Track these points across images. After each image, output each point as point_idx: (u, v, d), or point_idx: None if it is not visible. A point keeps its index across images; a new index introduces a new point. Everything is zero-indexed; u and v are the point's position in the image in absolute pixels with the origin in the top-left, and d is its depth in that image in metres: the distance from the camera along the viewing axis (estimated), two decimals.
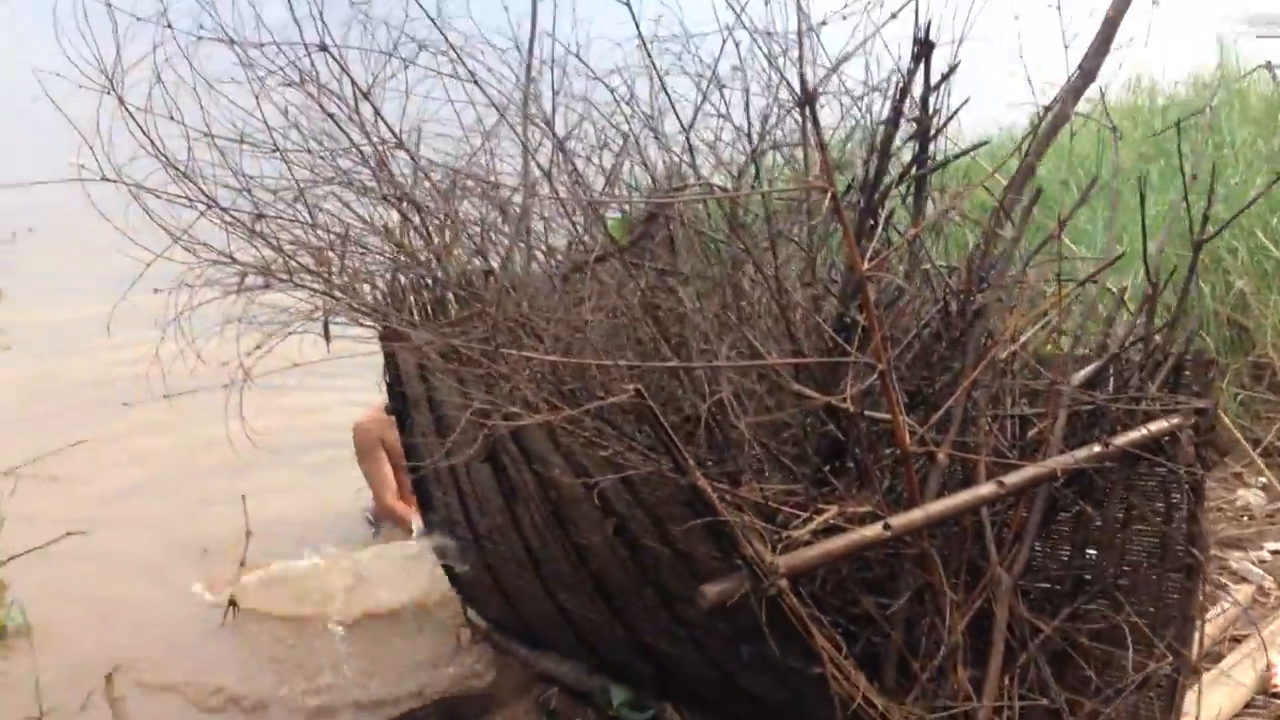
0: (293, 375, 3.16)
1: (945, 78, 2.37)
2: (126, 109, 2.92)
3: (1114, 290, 2.72)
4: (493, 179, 3.13)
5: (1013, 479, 2.42)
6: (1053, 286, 2.55)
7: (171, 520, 4.94)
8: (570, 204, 2.91)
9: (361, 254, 3.26)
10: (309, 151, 3.12)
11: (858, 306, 2.37)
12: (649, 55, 2.60)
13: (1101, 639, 2.65)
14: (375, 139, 3.06)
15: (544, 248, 3.06)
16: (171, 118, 2.98)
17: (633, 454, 2.50)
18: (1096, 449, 2.48)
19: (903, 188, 2.51)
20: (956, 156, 2.56)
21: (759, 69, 2.73)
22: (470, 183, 3.10)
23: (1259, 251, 5.20)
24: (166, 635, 4.14)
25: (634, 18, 2.45)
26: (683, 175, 2.90)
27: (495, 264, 3.06)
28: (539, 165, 2.97)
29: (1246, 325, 5.08)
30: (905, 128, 2.42)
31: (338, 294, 3.18)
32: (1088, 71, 2.43)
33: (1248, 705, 3.25)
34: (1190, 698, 2.82)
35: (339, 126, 3.06)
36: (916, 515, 2.35)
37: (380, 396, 3.93)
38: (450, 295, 3.23)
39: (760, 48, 2.65)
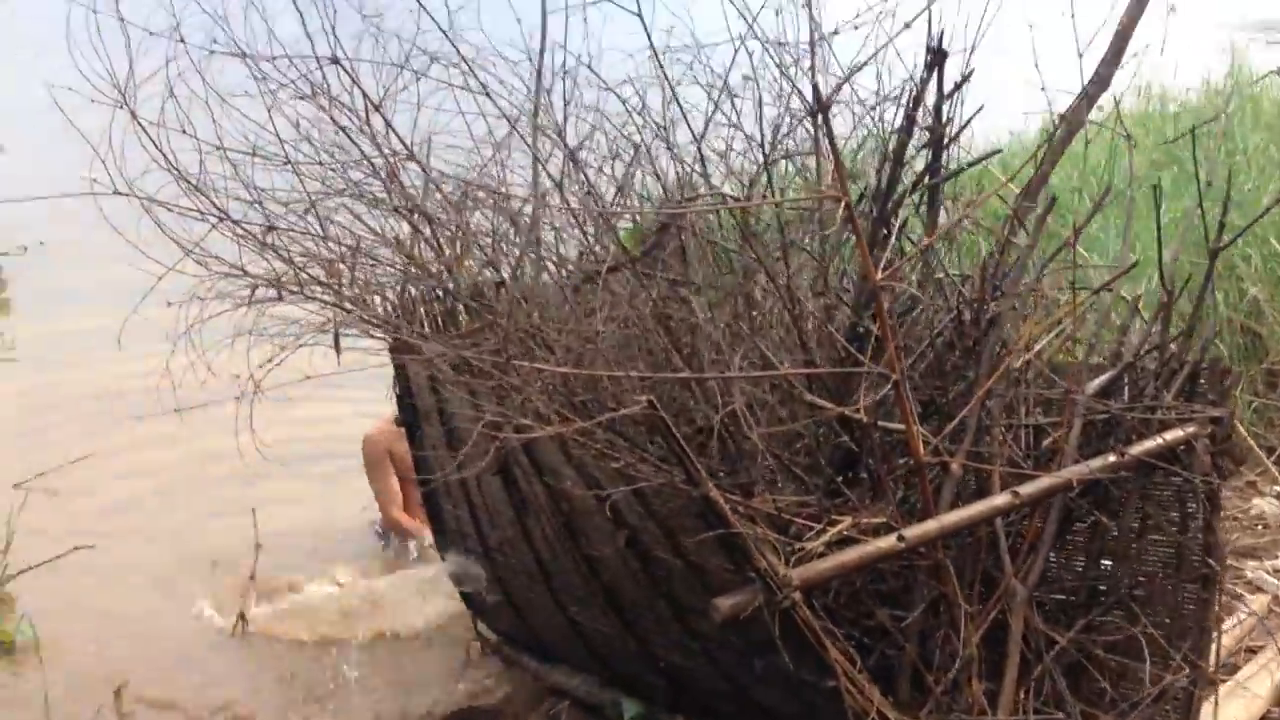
0: (303, 386, 3.16)
1: (959, 86, 2.36)
2: (139, 123, 2.94)
3: (1128, 298, 2.70)
4: (504, 190, 3.13)
5: (1028, 489, 2.40)
6: (1066, 295, 2.54)
7: (180, 532, 4.94)
8: (581, 214, 2.91)
9: (372, 266, 3.26)
10: (320, 164, 3.13)
11: (871, 316, 2.36)
12: (661, 66, 2.60)
13: (1117, 650, 2.63)
14: (386, 151, 3.06)
15: (555, 258, 3.06)
16: (184, 131, 2.99)
17: (645, 466, 2.49)
18: (1112, 458, 2.47)
19: (916, 196, 2.50)
20: (971, 165, 2.55)
21: (770, 79, 2.73)
22: (481, 194, 3.11)
23: (1272, 259, 5.18)
24: (174, 650, 4.13)
25: (645, 29, 2.46)
26: (694, 185, 2.90)
27: (506, 275, 3.06)
28: (550, 175, 2.97)
29: (1260, 332, 5.06)
30: (918, 136, 2.41)
31: (348, 306, 3.19)
32: (1101, 80, 2.42)
33: (1264, 717, 3.22)
34: (1206, 710, 2.79)
35: (350, 139, 3.07)
36: (931, 526, 2.33)
37: (390, 407, 3.93)
38: (461, 307, 3.23)
39: (772, 57, 2.65)
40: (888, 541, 2.29)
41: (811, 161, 2.84)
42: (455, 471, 3.26)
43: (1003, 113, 3.39)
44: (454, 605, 4.16)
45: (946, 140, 2.43)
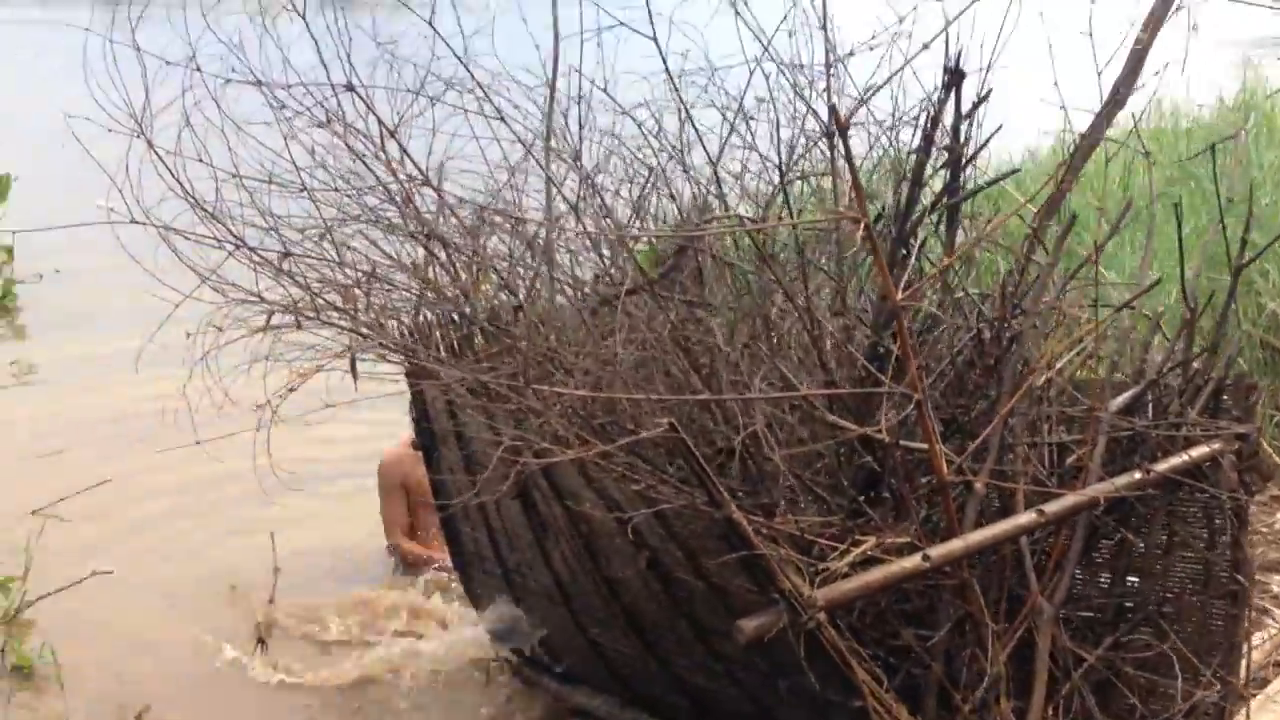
0: (320, 405, 3.16)
1: (977, 106, 2.36)
2: (155, 152, 2.95)
3: (1150, 316, 2.69)
4: (519, 214, 3.14)
5: (1053, 507, 2.39)
6: (1087, 312, 2.53)
7: (199, 555, 4.93)
8: (598, 237, 2.91)
9: (388, 291, 3.27)
10: (336, 190, 3.14)
11: (891, 336, 2.35)
12: (676, 89, 2.61)
13: (1146, 667, 2.61)
14: (402, 176, 3.07)
15: (571, 281, 3.06)
16: (200, 160, 3.00)
17: (666, 488, 2.49)
18: (1137, 475, 2.46)
19: (934, 216, 2.50)
20: (989, 184, 2.55)
21: (785, 101, 2.73)
22: (498, 218, 3.11)
23: None
24: (195, 675, 4.12)
25: (660, 52, 2.46)
26: (710, 207, 2.90)
27: (522, 299, 3.06)
28: (565, 199, 2.98)
29: (1279, 347, 5.03)
30: (936, 156, 2.41)
31: (364, 331, 3.19)
32: (1119, 98, 2.42)
33: None
34: None
35: (366, 165, 3.08)
36: (956, 545, 2.32)
37: (409, 429, 3.92)
38: (477, 331, 3.23)
39: (787, 79, 2.65)
40: (913, 561, 2.28)
41: (826, 182, 2.85)
42: (474, 496, 3.26)
43: (1017, 132, 3.39)
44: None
45: (965, 160, 2.43)
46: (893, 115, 2.65)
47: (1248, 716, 2.85)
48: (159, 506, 5.29)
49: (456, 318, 3.28)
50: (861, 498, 2.52)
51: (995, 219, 2.46)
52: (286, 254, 3.14)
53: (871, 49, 2.60)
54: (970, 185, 2.55)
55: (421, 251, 3.25)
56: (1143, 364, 2.66)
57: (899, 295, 2.17)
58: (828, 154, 2.65)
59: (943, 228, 2.56)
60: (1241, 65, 9.13)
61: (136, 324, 3.33)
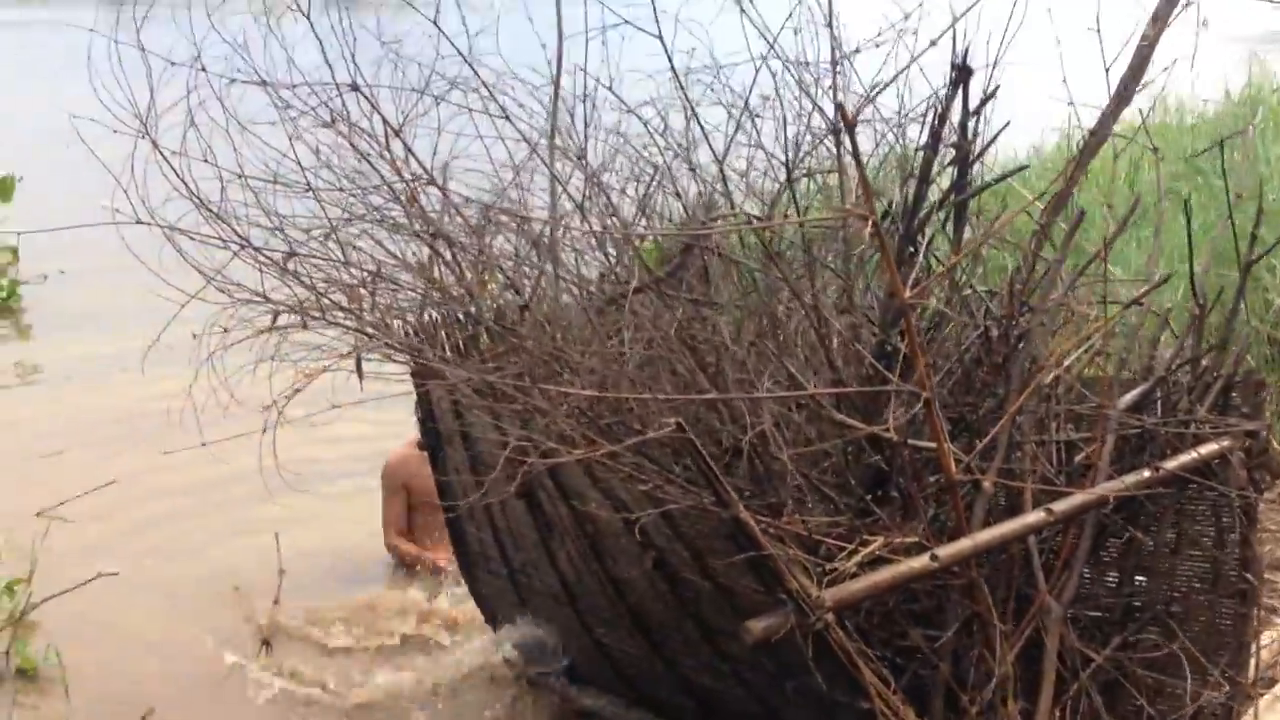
0: (326, 404, 3.16)
1: (984, 103, 2.35)
2: (160, 152, 2.95)
3: (1158, 312, 2.68)
4: (524, 213, 3.13)
5: (1061, 506, 2.38)
6: (1095, 309, 2.52)
7: (203, 556, 4.93)
8: (603, 236, 2.91)
9: (394, 290, 3.26)
10: (341, 190, 3.13)
11: (899, 334, 2.34)
12: (682, 87, 2.60)
13: (1154, 667, 2.60)
14: (407, 176, 3.07)
15: (577, 280, 3.06)
16: (205, 160, 3.00)
17: (672, 487, 2.48)
18: (1146, 473, 2.44)
19: (941, 213, 2.49)
20: (997, 180, 2.54)
21: (790, 98, 2.72)
22: (504, 217, 3.11)
23: None
24: (199, 677, 4.11)
25: (666, 50, 2.46)
26: (715, 204, 2.90)
27: (528, 298, 3.05)
28: (570, 197, 2.97)
29: None
30: (943, 153, 2.40)
31: (370, 331, 3.19)
32: (1126, 94, 2.41)
33: None
34: None
35: (371, 164, 3.07)
36: (964, 545, 2.31)
37: (415, 429, 3.92)
38: (483, 330, 3.22)
39: (793, 76, 2.64)
40: (921, 561, 2.27)
41: (832, 179, 2.84)
42: (479, 496, 3.25)
43: (1022, 128, 3.38)
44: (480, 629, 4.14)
45: (973, 157, 2.42)
46: (899, 112, 2.64)
47: (1256, 716, 2.84)
48: (164, 507, 5.28)
49: (462, 317, 3.28)
50: (869, 497, 2.52)
51: (1003, 216, 2.45)
52: (291, 254, 3.13)
53: (877, 46, 2.59)
54: (977, 182, 2.54)
55: (427, 251, 3.24)
56: (1151, 361, 2.65)
57: (907, 293, 2.16)
58: (834, 151, 2.64)
59: (950, 225, 2.55)
60: (1246, 61, 9.10)
61: (141, 325, 3.33)
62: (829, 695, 2.40)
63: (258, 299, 3.14)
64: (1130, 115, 2.64)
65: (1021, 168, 2.70)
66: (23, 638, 4.11)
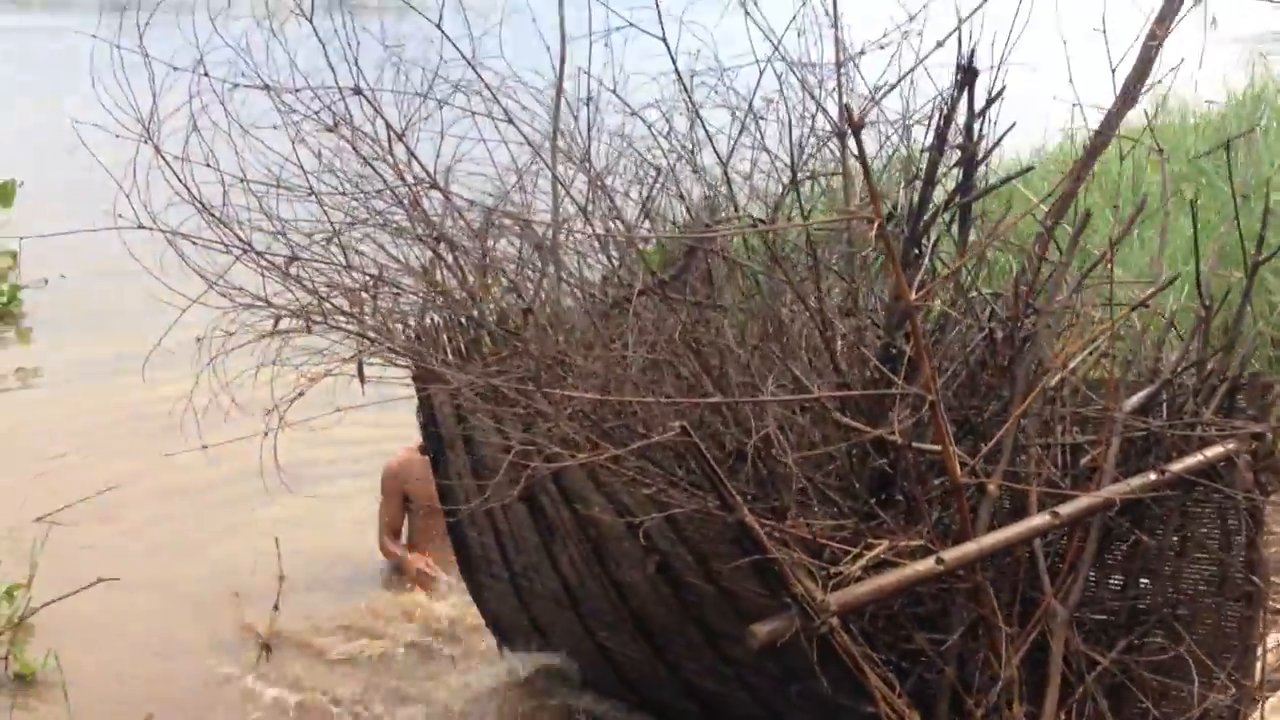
0: (327, 407, 3.15)
1: (990, 104, 2.35)
2: (162, 157, 2.95)
3: (1164, 314, 2.68)
4: (527, 217, 3.13)
5: (1067, 509, 2.37)
6: (1099, 311, 2.51)
7: (204, 559, 4.92)
8: (606, 239, 2.91)
9: (396, 294, 3.26)
10: (344, 194, 3.13)
11: (904, 336, 2.34)
12: (686, 89, 2.60)
13: (1159, 670, 2.59)
14: (409, 179, 3.06)
15: (581, 283, 3.05)
16: (207, 164, 3.00)
17: (676, 491, 2.47)
18: (1152, 476, 2.44)
19: (946, 216, 2.49)
20: (1003, 182, 2.53)
21: (795, 100, 2.72)
22: (507, 221, 3.10)
23: None
24: (199, 682, 4.10)
25: (670, 52, 2.46)
26: (719, 207, 2.89)
27: (531, 301, 3.05)
28: (574, 200, 2.97)
29: None
30: (948, 155, 2.39)
31: (372, 334, 3.18)
32: (1131, 95, 2.40)
33: None
34: None
35: (373, 168, 3.07)
36: (970, 549, 2.31)
37: (418, 432, 3.91)
38: (485, 334, 3.22)
39: (797, 78, 2.64)
40: (926, 564, 2.27)
41: (836, 182, 2.83)
42: (482, 500, 3.24)
43: (1024, 130, 3.37)
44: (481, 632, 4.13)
45: (979, 159, 2.41)
46: (902, 114, 2.64)
47: (1262, 719, 2.83)
48: (164, 511, 5.28)
49: (464, 321, 3.27)
50: (874, 500, 2.51)
51: (1009, 218, 2.44)
52: (294, 258, 3.13)
53: (882, 48, 2.59)
54: (982, 184, 2.53)
55: (429, 255, 3.24)
56: (1157, 363, 2.64)
57: (912, 295, 2.15)
58: (838, 153, 2.64)
59: (955, 227, 2.55)
60: (1247, 61, 9.10)
61: (142, 329, 3.32)
62: (834, 699, 2.39)
63: (260, 303, 3.13)
64: (1134, 116, 2.63)
65: (1028, 169, 2.69)
66: (22, 642, 4.10)
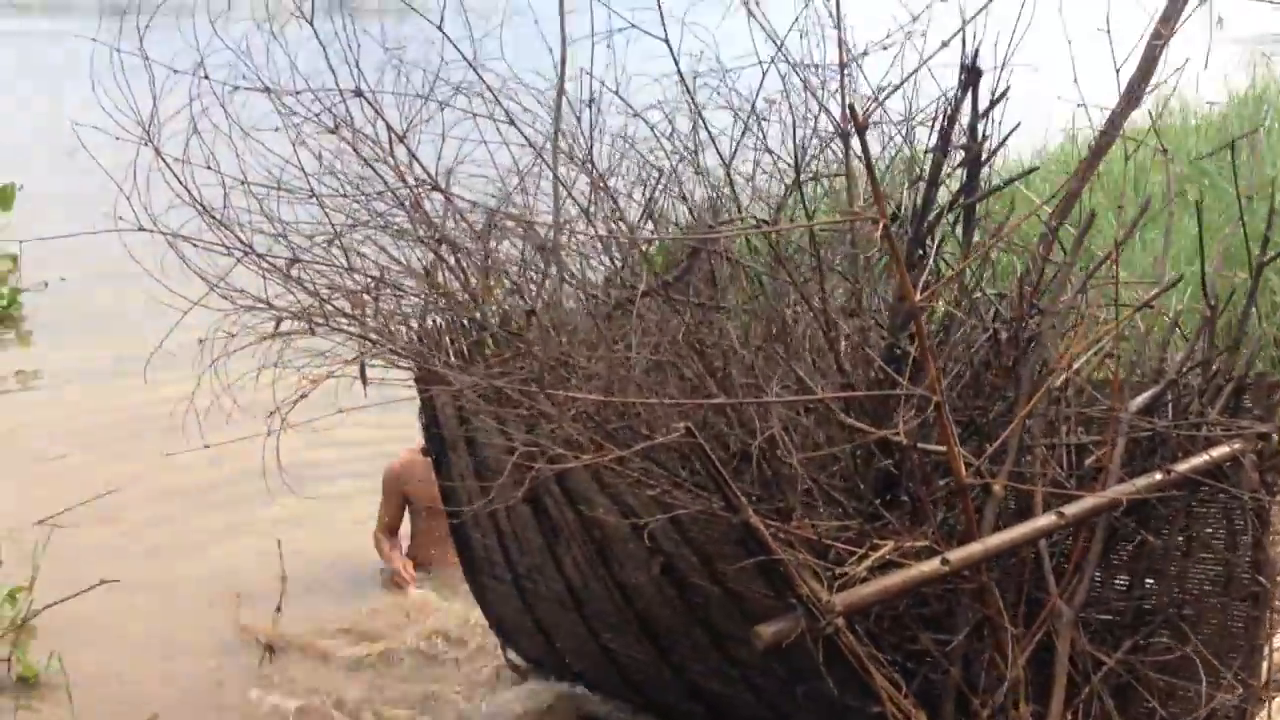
0: (330, 408, 3.15)
1: (994, 104, 2.34)
2: (163, 159, 2.95)
3: (1169, 315, 2.67)
4: (529, 218, 3.12)
5: (1072, 510, 2.37)
6: (1104, 311, 2.51)
7: (206, 561, 4.92)
8: (609, 240, 2.90)
9: (398, 296, 3.26)
10: (345, 196, 3.13)
11: (909, 337, 2.33)
12: (688, 90, 2.60)
13: (1165, 670, 2.58)
14: (411, 181, 3.06)
15: (584, 284, 3.05)
16: (208, 166, 2.99)
17: (681, 492, 2.47)
18: (1157, 476, 2.43)
19: (950, 216, 2.48)
20: (1008, 183, 2.53)
21: (798, 101, 2.72)
22: (509, 222, 3.10)
23: None
24: (202, 683, 4.10)
25: (673, 54, 2.45)
26: (722, 208, 2.89)
27: (534, 303, 3.04)
28: (576, 201, 2.97)
29: None
30: (952, 155, 2.39)
31: (374, 336, 3.18)
32: (1135, 96, 2.40)
33: None
34: None
35: (374, 170, 3.07)
36: (975, 549, 2.30)
37: (420, 433, 3.91)
38: (488, 335, 3.21)
39: (800, 79, 2.64)
40: (931, 565, 2.26)
41: (839, 182, 2.83)
42: (485, 502, 3.24)
43: (1027, 130, 3.37)
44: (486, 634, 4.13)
45: (983, 159, 2.41)
46: (906, 115, 2.63)
47: (1269, 718, 2.83)
48: (166, 512, 5.28)
49: (466, 322, 3.27)
50: (879, 501, 2.51)
51: (1013, 219, 2.44)
52: (295, 260, 3.13)
53: (885, 48, 2.59)
54: (986, 185, 2.52)
55: (431, 256, 3.24)
56: (1162, 364, 2.64)
57: (917, 296, 2.15)
58: (841, 154, 2.63)
59: (959, 228, 2.54)
60: (1249, 62, 9.10)
61: (143, 331, 3.32)
62: (840, 700, 2.39)
63: (261, 305, 3.13)
64: (1138, 116, 2.63)
65: (1032, 169, 2.69)
66: (25, 645, 4.10)
